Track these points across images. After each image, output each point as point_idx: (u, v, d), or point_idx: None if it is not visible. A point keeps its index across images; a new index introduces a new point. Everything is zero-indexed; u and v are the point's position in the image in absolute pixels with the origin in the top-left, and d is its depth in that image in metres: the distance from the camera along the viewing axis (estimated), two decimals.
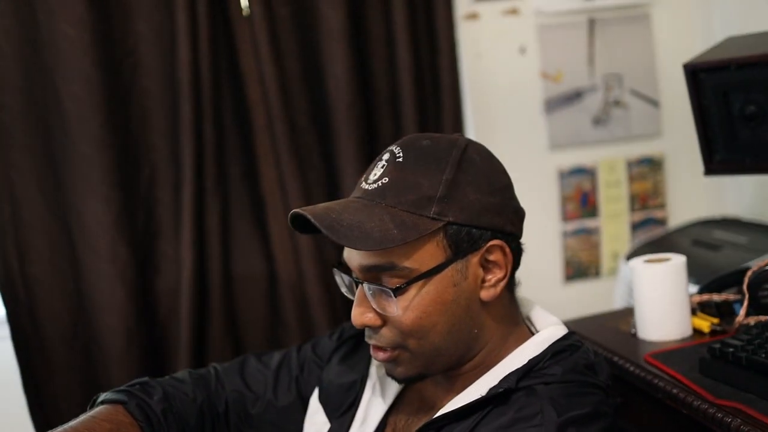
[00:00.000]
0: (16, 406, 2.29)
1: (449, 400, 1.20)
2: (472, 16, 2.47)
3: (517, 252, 1.21)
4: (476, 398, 1.13)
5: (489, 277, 1.17)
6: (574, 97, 2.53)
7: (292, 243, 2.33)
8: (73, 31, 2.12)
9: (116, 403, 1.34)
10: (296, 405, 1.43)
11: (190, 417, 1.38)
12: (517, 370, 1.15)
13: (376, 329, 1.17)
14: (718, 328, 1.56)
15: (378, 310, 1.15)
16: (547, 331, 1.23)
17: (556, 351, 1.18)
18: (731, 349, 1.32)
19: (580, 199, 2.56)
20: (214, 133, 2.26)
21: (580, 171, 2.55)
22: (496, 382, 1.15)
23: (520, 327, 1.26)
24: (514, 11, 2.48)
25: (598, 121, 2.55)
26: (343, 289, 1.26)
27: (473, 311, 1.17)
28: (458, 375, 1.23)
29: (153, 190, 2.30)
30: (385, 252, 1.11)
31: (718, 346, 1.35)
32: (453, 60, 2.39)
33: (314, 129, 2.36)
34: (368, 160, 2.37)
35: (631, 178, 2.60)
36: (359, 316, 1.16)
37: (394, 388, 1.33)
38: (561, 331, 1.23)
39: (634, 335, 1.62)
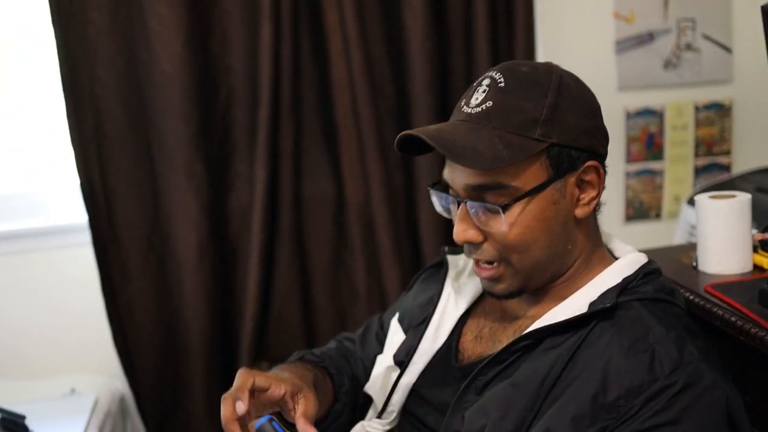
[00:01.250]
0: (95, 308, 2.42)
1: (535, 312, 1.24)
2: None
3: (605, 174, 1.26)
4: (579, 314, 1.18)
5: (583, 196, 1.22)
6: (646, 38, 2.52)
7: (361, 167, 2.38)
8: None
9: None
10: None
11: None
12: (614, 287, 1.20)
13: (477, 245, 1.22)
14: None
15: (480, 226, 1.19)
16: (633, 255, 1.28)
17: (646, 272, 1.23)
18: None
19: (646, 140, 2.57)
20: (292, 57, 2.31)
21: (647, 113, 2.55)
22: (594, 298, 1.19)
23: (603, 249, 1.30)
24: None
25: (669, 64, 2.54)
26: (438, 208, 1.30)
27: (569, 228, 1.22)
28: (549, 291, 1.27)
29: (230, 111, 2.37)
30: (492, 172, 1.15)
31: None
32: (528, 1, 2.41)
33: (388, 58, 2.39)
34: (439, 92, 2.41)
35: (698, 123, 2.59)
36: (462, 232, 1.20)
37: (468, 297, 1.38)
38: (644, 257, 1.28)
39: (695, 268, 1.64)
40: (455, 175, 1.20)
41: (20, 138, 2.56)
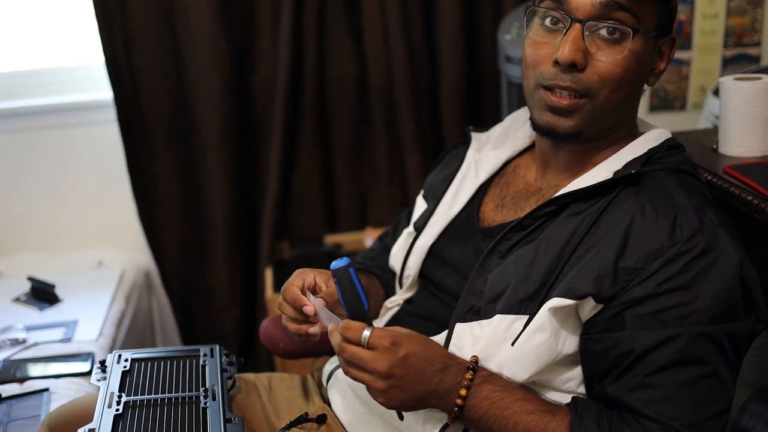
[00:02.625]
0: (121, 185, 2.45)
1: (558, 183, 1.25)
2: None
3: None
4: (603, 179, 1.18)
5: (657, 65, 1.22)
6: None
7: (384, 47, 2.35)
8: None
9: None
10: None
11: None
12: (639, 156, 1.20)
13: (576, 71, 1.16)
14: None
15: (590, 48, 1.15)
16: (658, 130, 1.26)
17: (671, 145, 1.23)
18: None
19: (675, 29, 2.50)
20: None
21: None
22: (619, 167, 1.19)
23: (635, 126, 1.29)
24: None
25: None
26: (541, 30, 1.21)
27: (640, 89, 1.23)
28: (581, 150, 1.25)
29: None
30: None
31: None
32: None
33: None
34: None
35: (730, 12, 2.51)
36: (573, 51, 1.15)
37: (489, 167, 1.38)
38: (668, 132, 1.27)
39: (716, 151, 1.63)
40: None
41: (47, 13, 2.54)
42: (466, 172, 1.41)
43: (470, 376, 1.10)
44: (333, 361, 1.45)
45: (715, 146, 1.66)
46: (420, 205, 1.48)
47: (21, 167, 2.50)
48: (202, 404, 1.30)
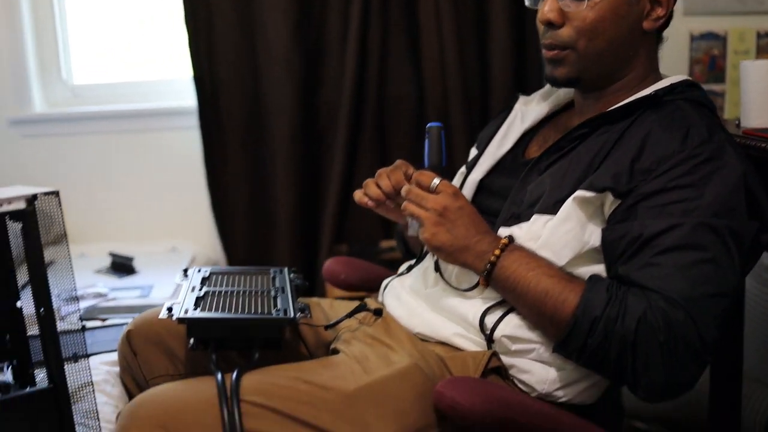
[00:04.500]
0: (198, 184, 2.68)
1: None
2: None
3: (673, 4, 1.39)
4: (626, 102, 1.34)
5: (653, 12, 1.37)
6: None
7: (440, 67, 2.56)
8: None
9: None
10: None
11: None
12: (661, 88, 1.35)
13: (555, 27, 1.36)
14: None
15: (564, 8, 1.35)
16: (680, 76, 1.41)
17: (690, 84, 1.39)
18: None
19: (708, 63, 2.69)
20: None
21: (711, 36, 2.67)
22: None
23: (657, 74, 1.43)
24: None
25: None
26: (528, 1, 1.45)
27: (634, 35, 1.37)
28: (604, 96, 1.41)
29: (325, 10, 2.58)
30: None
31: None
32: None
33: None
34: (518, 6, 2.58)
35: (759, 50, 2.70)
36: (547, 12, 1.35)
37: (534, 115, 1.55)
38: (689, 78, 1.43)
39: (738, 125, 1.79)
40: None
41: (143, 32, 2.86)
42: (513, 119, 1.59)
43: (506, 241, 1.26)
44: (386, 281, 1.60)
45: (737, 122, 1.82)
46: (472, 154, 1.66)
47: (112, 164, 2.75)
48: (272, 295, 1.46)
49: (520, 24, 2.60)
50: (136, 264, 2.39)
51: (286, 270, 1.62)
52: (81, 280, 2.21)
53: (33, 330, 1.32)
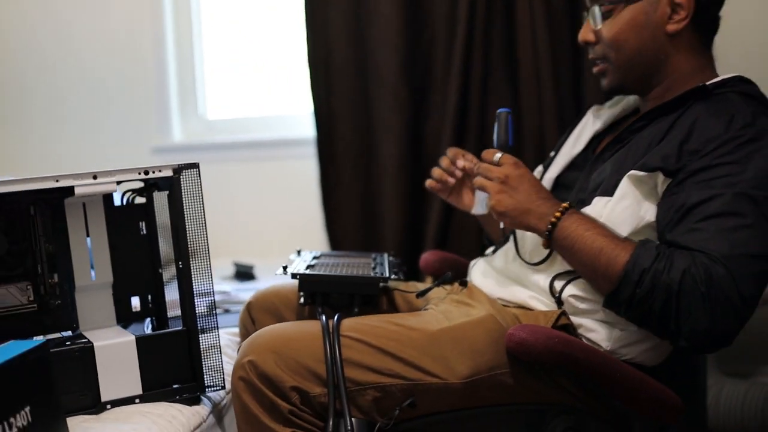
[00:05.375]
0: (313, 207, 2.95)
1: None
2: None
3: (705, 4, 1.53)
4: (677, 95, 1.50)
5: (675, 15, 1.53)
6: None
7: (537, 100, 2.76)
8: None
9: None
10: None
11: None
12: (711, 82, 1.50)
13: (592, 45, 1.60)
14: None
15: (594, 28, 1.58)
16: (733, 74, 1.54)
17: (743, 79, 1.52)
18: None
19: None
20: (485, 7, 2.75)
21: None
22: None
23: (709, 72, 1.57)
24: None
25: None
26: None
27: (660, 39, 1.53)
28: (658, 97, 1.58)
29: (432, 47, 2.82)
30: None
31: None
32: None
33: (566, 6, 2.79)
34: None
35: None
36: (582, 34, 1.61)
37: (603, 119, 1.73)
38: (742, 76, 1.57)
39: None
40: None
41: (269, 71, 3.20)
42: (585, 123, 1.77)
43: (566, 205, 1.42)
44: (474, 261, 1.79)
45: None
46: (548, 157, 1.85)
47: (239, 188, 3.06)
48: (371, 266, 1.68)
49: None
50: (256, 272, 2.65)
51: (386, 254, 1.84)
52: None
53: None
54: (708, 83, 1.50)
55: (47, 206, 1.45)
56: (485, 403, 1.42)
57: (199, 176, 1.44)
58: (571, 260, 1.45)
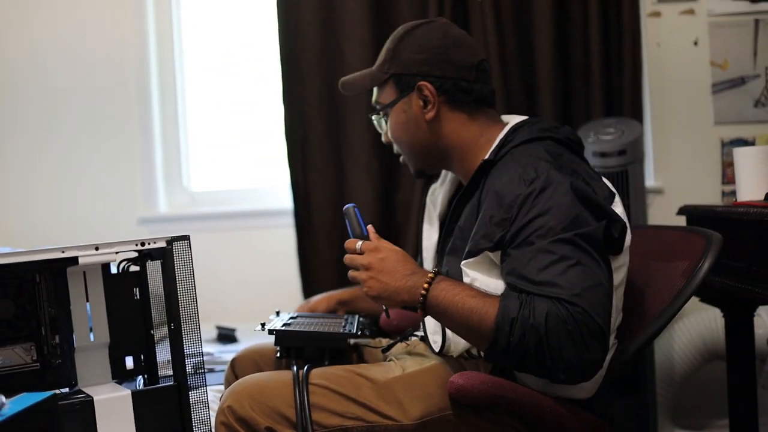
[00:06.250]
0: (292, 271, 3.13)
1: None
2: (655, 14, 3.06)
3: (450, 88, 1.74)
4: (470, 178, 1.69)
5: (427, 105, 1.75)
6: (739, 82, 3.02)
7: None
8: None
9: None
10: None
11: None
12: (492, 150, 1.69)
13: (391, 144, 1.87)
14: None
15: (382, 132, 1.88)
16: (510, 123, 1.73)
17: (514, 128, 1.71)
18: None
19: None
20: None
21: (740, 142, 3.03)
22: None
23: (494, 131, 1.74)
24: (690, 11, 3.03)
25: (758, 103, 3.02)
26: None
27: (424, 127, 1.77)
28: (457, 170, 1.82)
29: None
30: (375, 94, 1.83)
31: None
32: (636, 47, 2.91)
33: (523, 90, 3.03)
34: (563, 111, 2.99)
35: None
36: (383, 137, 1.90)
37: (440, 203, 1.94)
38: (518, 118, 1.77)
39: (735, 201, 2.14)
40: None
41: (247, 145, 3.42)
42: (428, 210, 2.02)
43: (432, 275, 1.54)
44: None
45: (735, 199, 2.17)
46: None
47: (222, 256, 3.23)
48: (342, 325, 1.86)
49: None
50: (238, 334, 2.82)
51: (357, 315, 2.02)
52: None
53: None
54: (487, 156, 1.67)
55: (51, 274, 1.63)
56: None
57: (190, 247, 1.62)
58: (446, 323, 1.58)
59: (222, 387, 2.02)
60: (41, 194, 3.39)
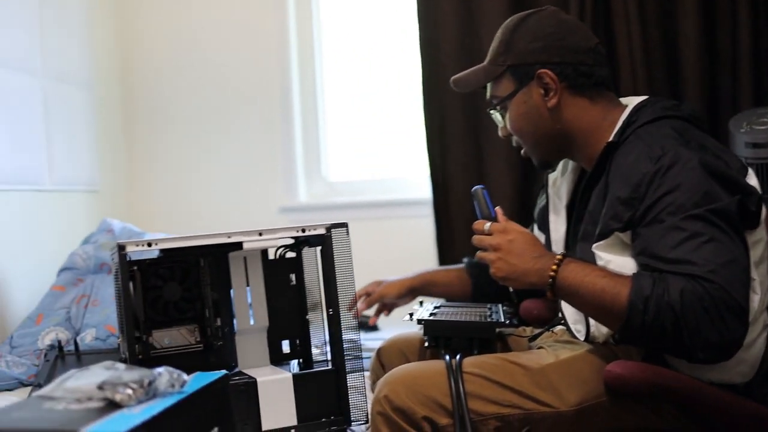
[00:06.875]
0: (431, 264, 3.16)
1: None
2: None
3: (570, 73, 1.73)
4: (595, 162, 1.68)
5: (548, 93, 1.74)
6: None
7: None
8: None
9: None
10: None
11: None
12: (616, 132, 1.68)
13: (511, 137, 1.86)
14: None
15: (501, 125, 1.87)
16: (631, 104, 1.73)
17: (636, 108, 1.70)
18: None
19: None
20: None
21: None
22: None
23: (616, 113, 1.74)
24: None
25: None
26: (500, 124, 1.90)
27: (546, 116, 1.76)
28: (581, 157, 1.79)
29: None
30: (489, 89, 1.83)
31: None
32: None
33: (668, 79, 2.94)
34: (710, 103, 2.89)
35: None
36: (500, 132, 1.90)
37: (564, 193, 1.90)
38: (638, 99, 1.74)
39: None
40: None
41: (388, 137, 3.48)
42: (553, 200, 1.96)
43: (560, 257, 1.55)
44: None
45: None
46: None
47: (359, 246, 3.28)
48: (488, 314, 1.87)
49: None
50: (378, 323, 2.87)
51: (500, 304, 2.03)
52: None
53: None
54: (612, 138, 1.67)
55: (214, 259, 1.72)
56: (596, 430, 1.56)
57: (348, 234, 1.68)
58: (577, 305, 1.59)
59: (367, 373, 2.07)
60: (190, 184, 3.57)
